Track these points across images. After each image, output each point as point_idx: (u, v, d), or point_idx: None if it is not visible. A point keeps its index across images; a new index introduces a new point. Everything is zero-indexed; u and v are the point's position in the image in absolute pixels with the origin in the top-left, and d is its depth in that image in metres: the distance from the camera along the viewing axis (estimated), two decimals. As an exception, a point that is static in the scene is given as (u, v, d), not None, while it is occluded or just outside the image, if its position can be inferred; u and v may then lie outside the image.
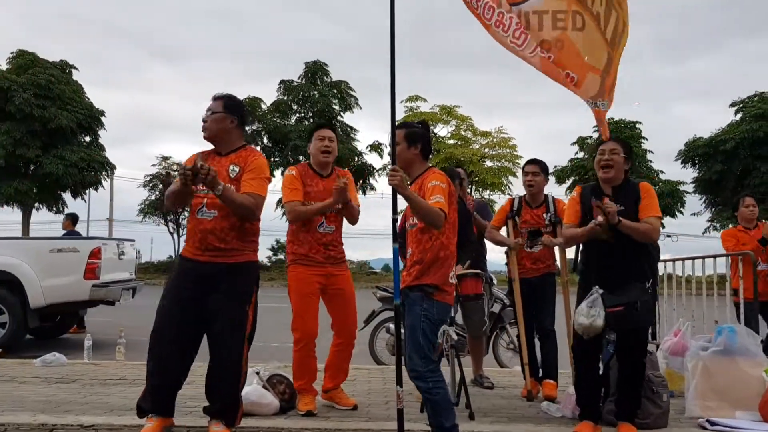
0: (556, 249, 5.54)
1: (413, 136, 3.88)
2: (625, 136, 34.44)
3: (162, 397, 3.92)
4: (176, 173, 3.71)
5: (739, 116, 33.17)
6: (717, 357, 4.76)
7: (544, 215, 5.53)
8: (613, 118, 36.30)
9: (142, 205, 33.41)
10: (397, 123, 3.94)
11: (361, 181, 32.39)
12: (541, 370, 5.48)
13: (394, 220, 3.86)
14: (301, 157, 31.66)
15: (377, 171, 32.73)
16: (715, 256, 6.55)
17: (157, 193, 31.57)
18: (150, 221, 33.48)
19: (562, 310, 5.37)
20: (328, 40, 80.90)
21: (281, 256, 42.58)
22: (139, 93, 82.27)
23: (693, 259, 6.71)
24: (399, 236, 3.92)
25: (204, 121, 3.99)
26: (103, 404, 4.86)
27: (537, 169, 5.58)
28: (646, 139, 35.30)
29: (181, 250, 4.09)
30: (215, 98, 4.04)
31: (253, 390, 4.45)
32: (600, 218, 4.05)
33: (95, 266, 8.53)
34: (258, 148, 32.55)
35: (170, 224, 32.97)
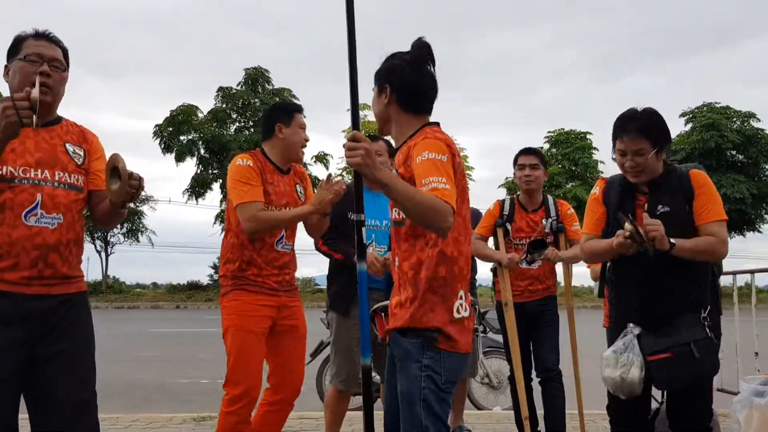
0: (559, 264, 4.54)
1: (380, 74, 2.54)
2: (576, 147, 34.75)
3: None
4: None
5: (689, 126, 33.93)
6: None
7: (543, 221, 4.50)
8: (563, 128, 36.61)
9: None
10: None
11: (306, 194, 31.70)
12: (543, 424, 4.44)
13: (358, 223, 2.45)
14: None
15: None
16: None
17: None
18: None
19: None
20: (270, 53, 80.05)
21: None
22: (74, 109, 79.58)
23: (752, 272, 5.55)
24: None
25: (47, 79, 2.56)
26: None
27: (536, 160, 4.53)
28: (597, 150, 35.72)
29: None
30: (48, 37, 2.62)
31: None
32: (627, 225, 2.81)
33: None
34: (193, 159, 32.02)
35: (97, 242, 31.46)
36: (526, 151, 4.56)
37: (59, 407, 2.46)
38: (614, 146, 3.06)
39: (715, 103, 34.59)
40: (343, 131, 31.53)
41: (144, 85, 67.01)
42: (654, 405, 3.39)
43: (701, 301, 2.99)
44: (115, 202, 2.50)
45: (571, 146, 35.27)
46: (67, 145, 2.62)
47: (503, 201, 4.61)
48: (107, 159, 2.50)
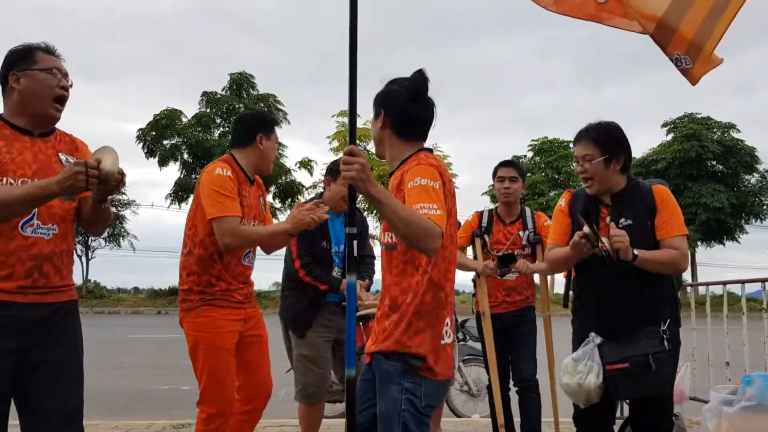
0: (537, 275, 4.59)
1: (377, 99, 2.60)
2: (559, 155, 34.97)
3: None
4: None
5: (670, 136, 34.29)
6: (748, 414, 3.98)
7: (521, 233, 4.57)
8: (546, 137, 36.78)
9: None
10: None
11: (289, 200, 31.85)
12: None
13: (351, 236, 2.53)
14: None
15: (306, 189, 32.28)
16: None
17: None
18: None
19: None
20: (255, 58, 79.64)
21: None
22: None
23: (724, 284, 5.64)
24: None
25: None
26: None
27: (514, 172, 4.59)
28: (580, 159, 35.44)
29: None
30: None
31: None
32: (586, 228, 2.89)
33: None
34: (177, 164, 31.78)
35: (78, 246, 31.03)
36: (505, 164, 4.62)
37: (47, 415, 2.49)
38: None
39: (696, 113, 35.10)
40: (328, 137, 31.30)
41: (130, 87, 66.63)
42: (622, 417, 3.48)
43: (661, 314, 3.06)
44: (95, 197, 2.53)
45: (554, 155, 35.58)
46: (60, 154, 2.64)
47: (482, 212, 4.67)
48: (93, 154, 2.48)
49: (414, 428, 2.34)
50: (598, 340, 3.02)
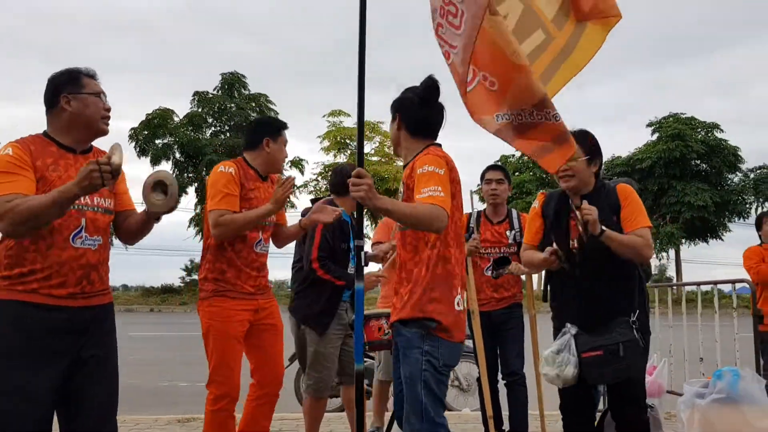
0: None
1: (393, 104, 3.00)
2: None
3: None
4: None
5: (655, 136, 34.44)
6: (718, 406, 4.09)
7: (507, 233, 4.80)
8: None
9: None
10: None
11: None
12: (507, 423, 4.73)
13: (359, 248, 2.92)
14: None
15: (298, 188, 32.15)
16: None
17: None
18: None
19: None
20: (246, 56, 79.23)
21: (195, 276, 40.86)
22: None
23: (698, 284, 5.93)
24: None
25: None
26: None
27: (501, 175, 4.82)
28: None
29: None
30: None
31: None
32: (552, 254, 3.30)
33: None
34: (169, 163, 31.73)
35: None
36: (493, 168, 4.86)
37: (89, 408, 2.71)
38: None
39: (681, 113, 35.31)
40: (319, 137, 31.43)
41: (121, 85, 66.16)
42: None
43: (630, 306, 3.38)
44: (155, 214, 2.80)
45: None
46: None
47: (470, 213, 4.84)
48: (152, 176, 2.78)
49: (434, 386, 2.70)
50: (574, 330, 3.32)
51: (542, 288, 3.90)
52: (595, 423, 3.72)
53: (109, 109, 2.88)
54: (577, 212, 3.20)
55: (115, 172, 2.54)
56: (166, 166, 31.73)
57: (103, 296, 2.82)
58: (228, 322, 3.57)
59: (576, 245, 3.29)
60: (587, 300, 3.34)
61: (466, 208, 3.88)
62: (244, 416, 3.75)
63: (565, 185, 3.41)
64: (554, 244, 3.26)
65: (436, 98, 2.94)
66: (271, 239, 3.84)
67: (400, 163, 32.61)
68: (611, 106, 76.59)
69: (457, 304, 2.78)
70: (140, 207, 2.95)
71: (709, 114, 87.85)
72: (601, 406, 4.53)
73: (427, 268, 2.76)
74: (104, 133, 2.87)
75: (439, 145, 2.95)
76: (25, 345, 2.59)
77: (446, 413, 5.96)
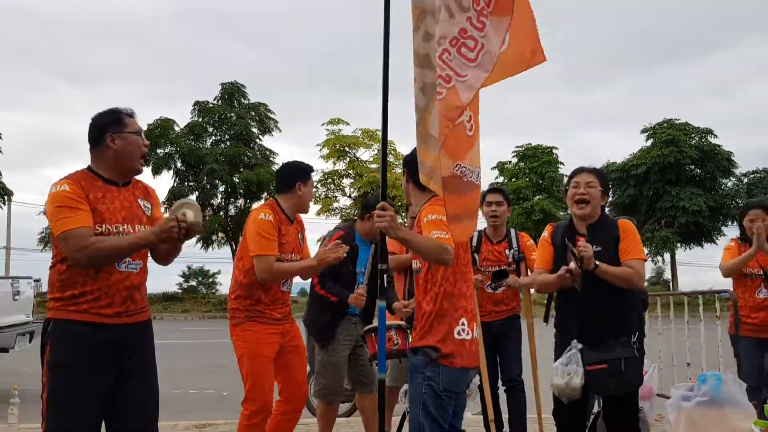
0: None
1: (404, 163, 3.43)
2: (543, 161, 35.41)
3: None
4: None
5: (650, 142, 34.66)
6: (702, 408, 4.34)
7: (507, 252, 5.07)
8: (530, 143, 37.19)
9: (43, 233, 31.61)
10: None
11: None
12: (507, 426, 5.01)
13: (382, 271, 3.27)
14: (217, 182, 30.42)
15: None
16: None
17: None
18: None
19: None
20: (245, 64, 79.40)
21: (193, 283, 40.95)
22: (45, 115, 78.00)
23: (686, 294, 6.26)
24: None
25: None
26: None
27: (500, 198, 5.11)
28: (563, 164, 36.21)
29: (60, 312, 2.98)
30: None
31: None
32: (572, 264, 3.62)
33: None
34: (170, 173, 31.80)
35: None
36: (493, 191, 5.15)
37: (135, 413, 3.05)
38: (567, 187, 3.89)
39: (675, 119, 35.41)
40: (318, 145, 31.60)
41: (120, 92, 66.16)
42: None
43: (631, 327, 3.75)
44: (178, 241, 3.05)
45: (538, 160, 35.75)
46: (139, 200, 3.15)
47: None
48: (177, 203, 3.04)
49: (432, 409, 3.03)
50: (579, 346, 3.66)
51: (546, 308, 4.35)
52: (588, 425, 4.04)
53: (147, 146, 3.20)
54: (574, 249, 3.55)
55: (190, 230, 2.90)
56: (167, 176, 31.89)
57: (143, 313, 3.14)
58: (261, 344, 3.94)
59: (579, 271, 3.63)
60: (592, 319, 3.69)
61: None
62: (269, 429, 4.08)
63: (580, 212, 3.78)
64: (571, 264, 3.61)
65: None
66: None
67: (398, 171, 33.06)
68: (609, 110, 76.98)
69: (458, 333, 3.09)
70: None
71: (703, 116, 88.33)
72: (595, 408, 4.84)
73: (435, 303, 3.12)
74: (138, 172, 3.17)
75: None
76: (77, 360, 2.90)
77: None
